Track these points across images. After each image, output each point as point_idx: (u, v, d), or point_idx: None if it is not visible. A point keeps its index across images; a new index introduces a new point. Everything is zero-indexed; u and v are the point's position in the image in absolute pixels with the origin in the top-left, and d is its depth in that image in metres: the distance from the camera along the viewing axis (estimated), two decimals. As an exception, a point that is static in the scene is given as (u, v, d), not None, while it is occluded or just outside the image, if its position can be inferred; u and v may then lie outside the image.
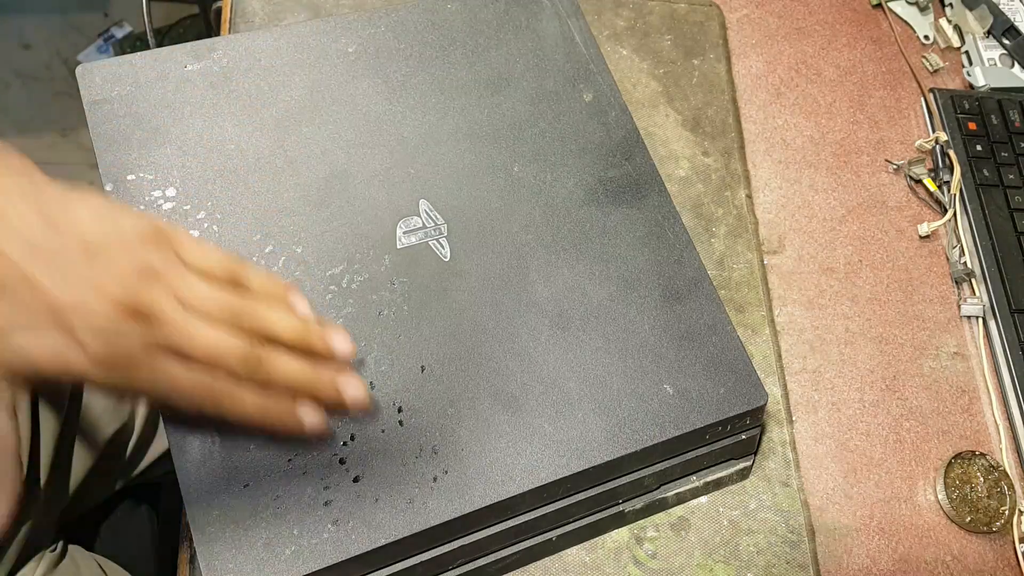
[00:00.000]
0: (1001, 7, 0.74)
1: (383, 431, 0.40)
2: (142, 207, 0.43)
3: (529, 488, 0.40)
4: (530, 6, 0.55)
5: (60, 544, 0.57)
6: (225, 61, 0.49)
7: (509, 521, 0.42)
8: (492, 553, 0.43)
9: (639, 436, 0.42)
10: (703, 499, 0.50)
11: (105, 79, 0.47)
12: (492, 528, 0.42)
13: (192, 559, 0.46)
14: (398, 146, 0.48)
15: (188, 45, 0.49)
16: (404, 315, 0.43)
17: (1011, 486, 0.54)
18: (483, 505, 0.39)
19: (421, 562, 0.40)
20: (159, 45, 0.53)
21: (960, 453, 0.55)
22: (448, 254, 0.45)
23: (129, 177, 0.44)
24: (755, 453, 0.51)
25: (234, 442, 0.39)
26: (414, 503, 0.39)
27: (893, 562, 0.52)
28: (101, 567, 0.58)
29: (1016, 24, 0.73)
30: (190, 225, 0.44)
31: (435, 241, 0.45)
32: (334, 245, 0.45)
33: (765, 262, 0.61)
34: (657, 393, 0.44)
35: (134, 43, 1.58)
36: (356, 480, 0.39)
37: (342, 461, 0.39)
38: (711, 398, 0.44)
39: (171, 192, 0.44)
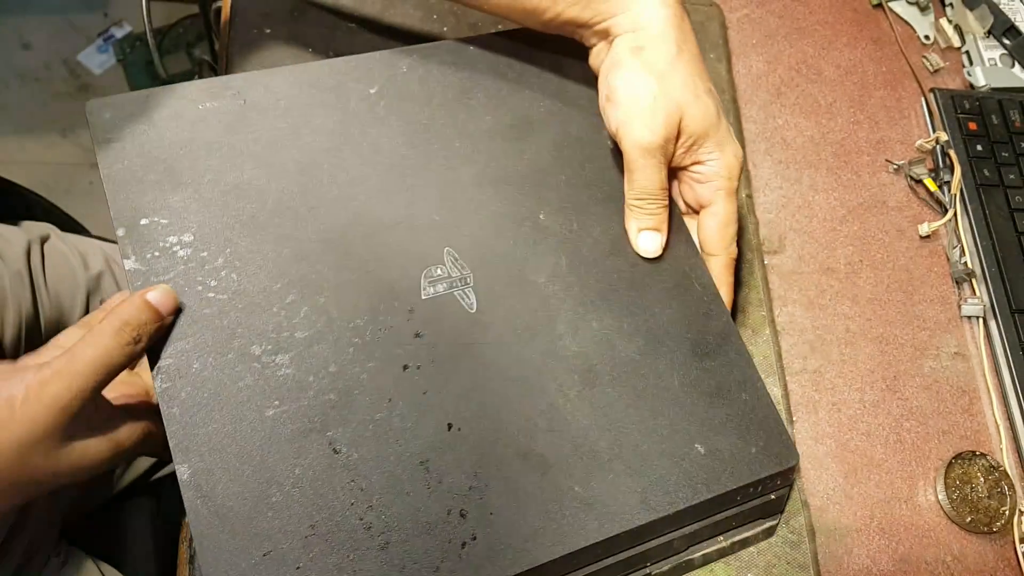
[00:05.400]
0: (1001, 7, 0.74)
1: (409, 493, 0.38)
2: (156, 253, 0.41)
3: (560, 555, 0.38)
4: (552, 46, 0.53)
5: (62, 548, 0.57)
6: (241, 100, 0.47)
7: None
8: None
9: (671, 499, 0.41)
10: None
11: (116, 116, 0.44)
12: None
13: (192, 559, 0.46)
14: (421, 192, 0.47)
15: (203, 82, 0.47)
16: (430, 369, 0.41)
17: (1011, 486, 0.54)
18: (513, 574, 0.38)
19: None
20: (159, 45, 0.52)
21: (960, 453, 0.55)
22: (475, 305, 0.44)
23: (143, 221, 0.42)
24: (782, 512, 0.49)
25: (256, 503, 0.37)
26: (440, 571, 0.37)
27: (893, 562, 0.52)
28: (102, 572, 0.58)
29: (1016, 24, 0.73)
30: (208, 273, 0.41)
31: (460, 291, 0.44)
32: (357, 295, 0.42)
33: (765, 262, 0.61)
34: (688, 453, 0.42)
35: (134, 43, 1.58)
36: (383, 548, 0.37)
37: (368, 527, 0.37)
38: (743, 458, 0.43)
39: (187, 237, 0.42)
